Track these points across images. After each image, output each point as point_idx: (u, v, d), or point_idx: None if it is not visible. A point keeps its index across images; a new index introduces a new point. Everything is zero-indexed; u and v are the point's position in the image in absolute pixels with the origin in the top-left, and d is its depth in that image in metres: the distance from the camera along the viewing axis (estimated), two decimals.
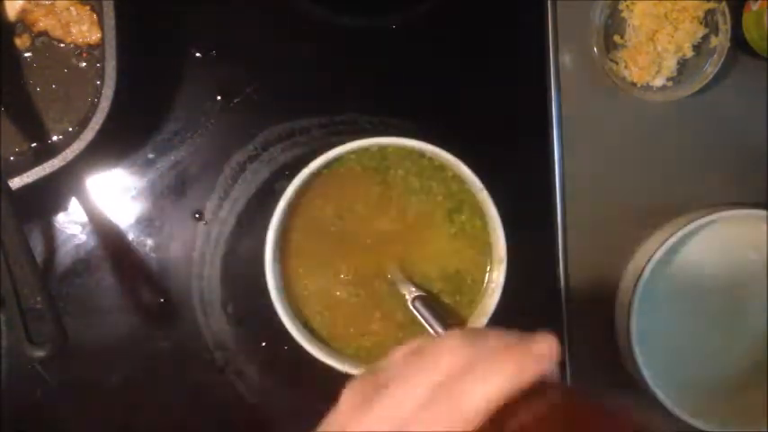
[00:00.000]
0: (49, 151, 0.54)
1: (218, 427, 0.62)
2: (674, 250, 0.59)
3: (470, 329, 0.29)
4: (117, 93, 0.52)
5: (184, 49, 0.59)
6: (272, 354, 0.60)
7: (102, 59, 0.53)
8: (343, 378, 0.54)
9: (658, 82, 0.59)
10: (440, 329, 0.52)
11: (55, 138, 0.56)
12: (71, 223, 0.59)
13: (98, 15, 0.55)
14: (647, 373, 0.57)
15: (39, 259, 0.48)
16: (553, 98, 0.60)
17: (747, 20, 0.58)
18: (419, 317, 0.53)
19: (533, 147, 0.61)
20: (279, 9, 0.60)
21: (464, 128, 0.60)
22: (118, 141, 0.58)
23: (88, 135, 0.52)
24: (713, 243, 0.61)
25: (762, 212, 0.58)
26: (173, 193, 0.60)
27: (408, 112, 0.60)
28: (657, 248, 0.58)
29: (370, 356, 0.55)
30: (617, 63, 0.60)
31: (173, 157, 0.60)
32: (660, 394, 0.58)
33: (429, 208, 0.56)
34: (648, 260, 0.58)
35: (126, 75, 0.53)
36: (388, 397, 0.29)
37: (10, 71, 0.56)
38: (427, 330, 0.52)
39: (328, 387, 0.57)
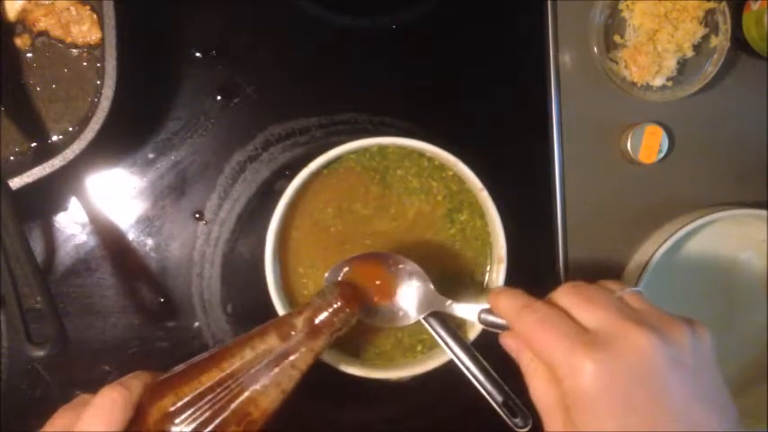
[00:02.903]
0: (49, 151, 0.54)
1: None
2: (673, 250, 0.60)
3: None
4: (117, 93, 0.52)
5: (184, 49, 0.59)
6: None
7: (102, 59, 0.53)
8: (343, 377, 0.54)
9: (658, 82, 0.59)
10: (439, 329, 0.52)
11: (55, 138, 0.56)
12: (71, 223, 0.59)
13: (98, 15, 0.55)
14: None
15: (39, 259, 0.48)
16: (553, 98, 0.60)
17: (747, 20, 0.58)
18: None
19: (533, 147, 0.61)
20: (279, 9, 0.60)
21: (464, 128, 0.60)
22: (118, 141, 0.58)
23: (88, 135, 0.52)
24: (713, 243, 0.61)
25: (762, 212, 0.58)
26: (173, 192, 0.60)
27: (408, 112, 0.60)
28: (657, 248, 0.58)
29: (369, 356, 0.55)
30: (617, 63, 0.60)
31: (173, 157, 0.60)
32: None
33: (429, 208, 0.56)
34: (648, 260, 0.58)
35: (126, 74, 0.53)
36: None
37: (10, 71, 0.56)
38: (426, 329, 0.53)
39: (328, 386, 0.57)
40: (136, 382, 0.42)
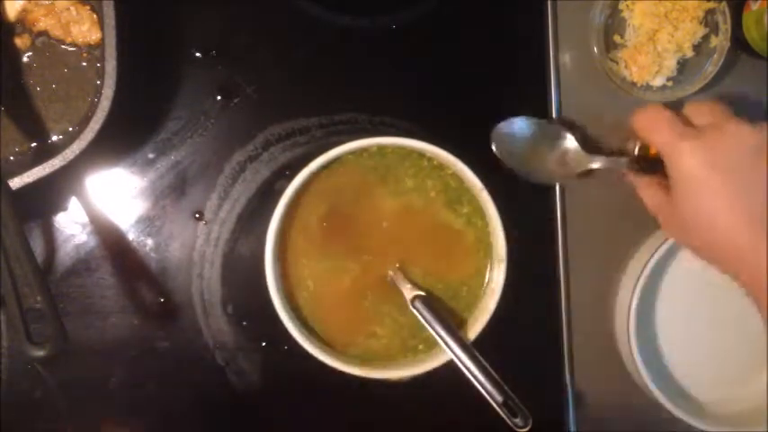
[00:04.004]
0: (49, 151, 0.54)
1: (217, 426, 0.62)
2: (674, 250, 0.60)
3: None
4: (117, 93, 0.52)
5: (184, 49, 0.59)
6: (272, 354, 0.60)
7: (102, 59, 0.53)
8: (343, 377, 0.54)
9: (658, 82, 0.59)
10: (440, 329, 0.52)
11: (55, 138, 0.56)
12: (71, 223, 0.59)
13: (98, 15, 0.55)
14: (646, 374, 0.58)
15: (39, 259, 0.48)
16: (553, 98, 0.60)
17: (747, 20, 0.58)
18: (419, 317, 0.53)
19: None
20: (279, 9, 0.60)
21: (464, 128, 0.60)
22: (118, 141, 0.58)
23: (88, 135, 0.52)
24: None
25: None
26: (173, 192, 0.60)
27: (408, 112, 0.60)
28: (658, 248, 0.58)
29: (369, 356, 0.55)
30: (617, 63, 0.60)
31: (173, 157, 0.60)
32: (660, 395, 0.58)
33: (429, 207, 0.56)
34: (649, 259, 0.58)
35: (126, 75, 0.53)
36: None
37: (10, 71, 0.56)
38: (427, 330, 0.53)
39: (328, 386, 0.57)
40: None
